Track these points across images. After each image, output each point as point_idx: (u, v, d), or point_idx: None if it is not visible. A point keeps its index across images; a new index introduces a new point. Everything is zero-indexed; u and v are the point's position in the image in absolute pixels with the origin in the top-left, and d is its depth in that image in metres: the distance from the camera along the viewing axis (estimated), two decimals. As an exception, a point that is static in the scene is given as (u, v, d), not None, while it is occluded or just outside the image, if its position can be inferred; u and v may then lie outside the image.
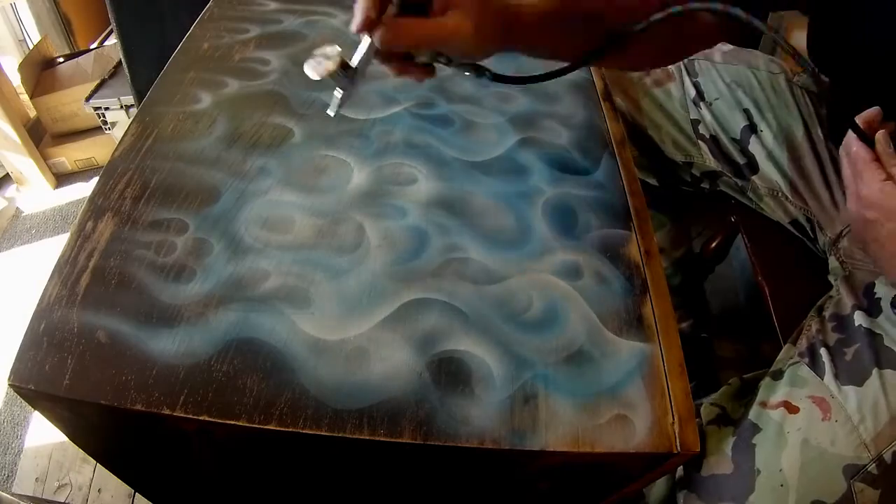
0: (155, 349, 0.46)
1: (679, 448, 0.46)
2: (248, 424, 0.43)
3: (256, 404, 0.44)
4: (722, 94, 0.82)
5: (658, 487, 0.66)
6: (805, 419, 0.56)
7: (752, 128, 0.80)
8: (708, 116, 0.83)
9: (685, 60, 0.85)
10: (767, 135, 0.79)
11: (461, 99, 0.72)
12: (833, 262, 0.74)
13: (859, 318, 0.60)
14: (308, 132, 0.65)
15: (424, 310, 0.51)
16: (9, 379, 0.44)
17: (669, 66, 0.85)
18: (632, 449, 0.45)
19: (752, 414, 0.59)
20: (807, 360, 0.60)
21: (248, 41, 0.76)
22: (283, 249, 0.53)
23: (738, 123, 0.81)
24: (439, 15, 0.45)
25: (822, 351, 0.59)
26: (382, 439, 0.43)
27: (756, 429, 0.58)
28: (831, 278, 0.73)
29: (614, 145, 0.69)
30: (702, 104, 0.83)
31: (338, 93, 0.49)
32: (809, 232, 0.80)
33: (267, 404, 0.44)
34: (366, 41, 0.46)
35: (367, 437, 0.43)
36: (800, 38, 1.37)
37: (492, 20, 0.46)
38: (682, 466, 0.62)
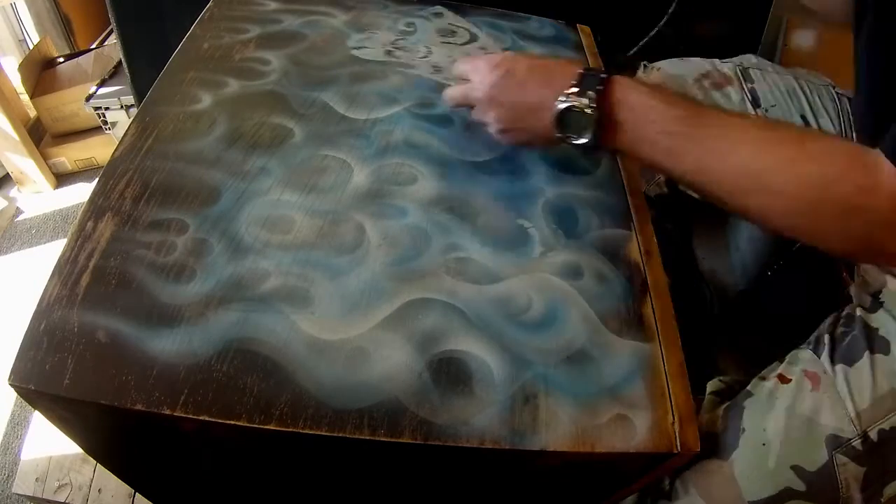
0: (155, 349, 0.46)
1: (679, 448, 0.46)
2: (248, 424, 0.43)
3: (256, 404, 0.44)
4: (778, 101, 0.84)
5: None
6: (795, 388, 0.59)
7: None
8: None
9: (740, 67, 0.88)
10: None
11: (461, 99, 0.72)
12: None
13: (860, 312, 0.64)
14: (308, 132, 0.65)
15: (424, 310, 0.51)
16: (9, 379, 0.44)
17: (727, 70, 0.88)
18: (632, 449, 0.45)
19: (750, 385, 0.63)
20: (811, 346, 0.64)
21: (248, 41, 0.76)
22: (283, 249, 0.53)
23: None
24: None
25: (826, 338, 0.63)
26: (383, 439, 0.43)
27: (748, 394, 0.62)
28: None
29: (614, 145, 0.69)
30: (758, 111, 0.85)
31: None
32: None
33: (267, 404, 0.44)
34: None
35: (368, 437, 0.43)
36: (800, 39, 1.37)
37: None
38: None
